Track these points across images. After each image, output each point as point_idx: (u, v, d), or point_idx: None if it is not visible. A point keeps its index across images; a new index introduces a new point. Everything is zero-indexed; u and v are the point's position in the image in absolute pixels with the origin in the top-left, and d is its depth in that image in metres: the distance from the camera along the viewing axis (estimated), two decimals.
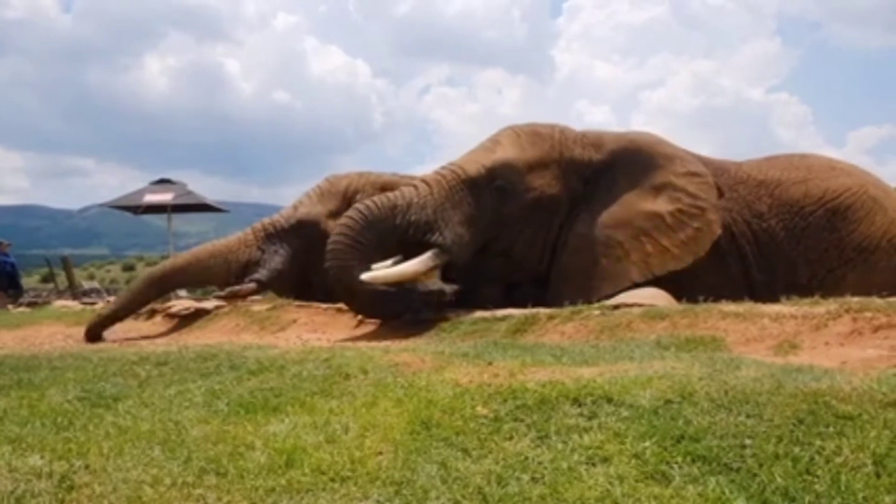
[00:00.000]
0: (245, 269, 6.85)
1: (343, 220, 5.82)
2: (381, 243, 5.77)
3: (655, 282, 5.67)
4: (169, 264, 7.10)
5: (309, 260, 6.74)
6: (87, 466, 2.50)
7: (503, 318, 5.13)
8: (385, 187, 6.88)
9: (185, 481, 2.35)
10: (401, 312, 5.63)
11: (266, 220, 7.17)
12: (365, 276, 5.50)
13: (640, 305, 4.83)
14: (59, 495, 2.31)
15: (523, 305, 5.43)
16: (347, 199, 6.98)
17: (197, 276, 7.09)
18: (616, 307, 4.87)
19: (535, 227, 6.07)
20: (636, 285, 5.68)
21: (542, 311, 5.07)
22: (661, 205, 5.99)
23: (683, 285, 5.15)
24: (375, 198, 5.90)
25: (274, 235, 6.99)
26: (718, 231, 5.95)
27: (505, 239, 6.06)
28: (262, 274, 6.80)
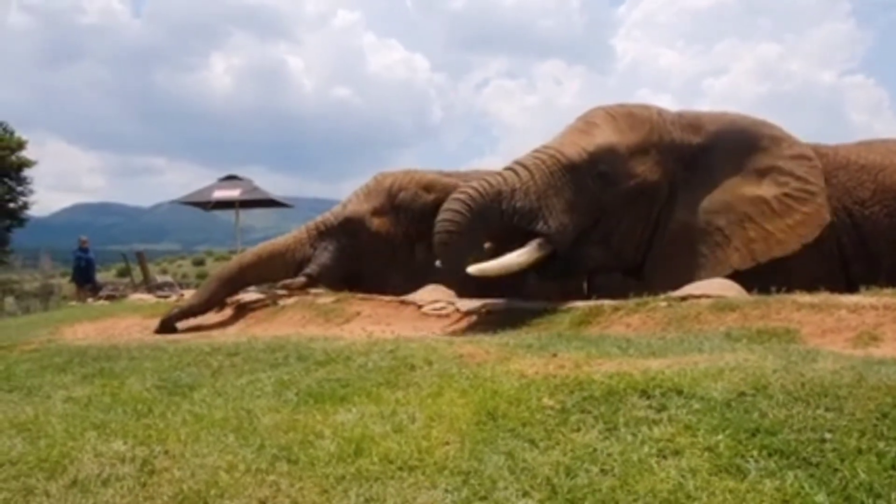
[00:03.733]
0: (301, 265, 7.27)
1: (448, 206, 5.51)
2: (487, 230, 5.58)
3: (746, 274, 5.33)
4: (236, 264, 7.46)
5: (356, 254, 7.15)
6: (166, 452, 2.61)
7: (567, 310, 5.05)
8: (428, 186, 7.20)
9: (258, 468, 2.43)
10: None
11: (318, 219, 7.58)
12: (471, 270, 5.38)
13: (709, 296, 4.68)
14: (142, 479, 2.42)
15: (610, 294, 5.22)
16: (392, 197, 7.26)
17: (262, 275, 7.50)
18: (684, 298, 4.73)
19: (635, 214, 5.79)
20: (737, 273, 5.35)
21: (607, 302, 4.97)
22: (767, 189, 5.68)
23: (778, 278, 4.77)
24: (476, 183, 5.61)
25: (325, 233, 7.37)
26: (828, 217, 5.59)
27: (604, 227, 5.76)
28: (311, 269, 7.19)
